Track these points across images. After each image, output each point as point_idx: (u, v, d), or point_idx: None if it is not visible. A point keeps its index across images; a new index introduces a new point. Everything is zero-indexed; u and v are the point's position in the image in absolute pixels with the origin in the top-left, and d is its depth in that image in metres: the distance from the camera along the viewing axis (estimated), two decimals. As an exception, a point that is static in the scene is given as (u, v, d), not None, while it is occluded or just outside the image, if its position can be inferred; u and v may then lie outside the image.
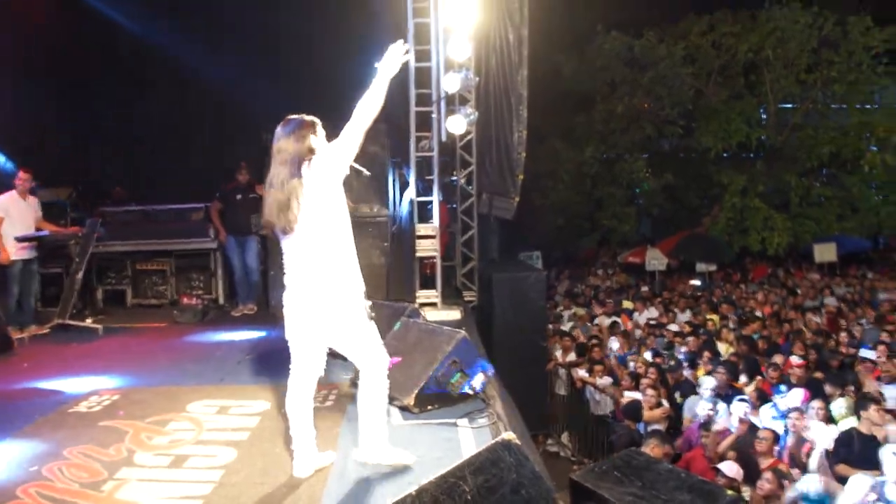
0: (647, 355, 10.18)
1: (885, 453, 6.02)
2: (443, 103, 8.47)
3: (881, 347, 9.04)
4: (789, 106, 21.36)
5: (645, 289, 16.84)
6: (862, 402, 6.91)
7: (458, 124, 8.29)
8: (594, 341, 10.68)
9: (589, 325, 12.50)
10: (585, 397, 9.73)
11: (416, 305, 7.28)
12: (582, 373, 9.94)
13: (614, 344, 10.88)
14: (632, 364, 9.78)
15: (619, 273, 19.75)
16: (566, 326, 12.64)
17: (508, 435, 3.02)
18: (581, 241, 23.18)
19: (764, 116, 21.40)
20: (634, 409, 8.20)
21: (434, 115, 8.51)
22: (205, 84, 11.39)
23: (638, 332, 11.99)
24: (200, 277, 9.76)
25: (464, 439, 4.26)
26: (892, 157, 19.98)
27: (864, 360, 8.73)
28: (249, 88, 10.80)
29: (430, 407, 4.74)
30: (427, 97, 8.52)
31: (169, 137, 11.79)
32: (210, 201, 9.45)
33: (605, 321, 12.45)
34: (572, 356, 10.65)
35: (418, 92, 8.48)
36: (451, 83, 8.08)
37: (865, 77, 19.86)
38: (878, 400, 6.98)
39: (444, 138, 8.64)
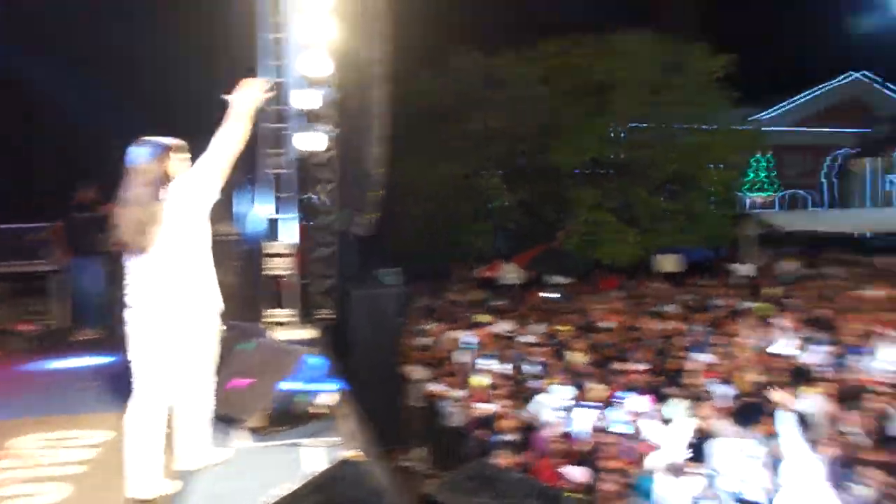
0: (501, 367, 10.43)
1: (715, 448, 6.50)
2: (301, 120, 8.40)
3: (714, 350, 9.77)
4: (638, 126, 22.66)
5: (500, 302, 17.25)
6: (696, 401, 7.45)
7: (314, 141, 8.26)
8: (449, 354, 10.84)
9: (444, 338, 12.66)
10: (440, 410, 9.85)
11: (268, 325, 7.17)
12: (436, 386, 10.07)
13: (468, 357, 11.07)
14: (485, 376, 10.01)
15: (474, 287, 20.12)
16: (423, 341, 12.76)
17: (351, 452, 3.06)
18: (439, 256, 23.45)
19: (622, 135, 22.59)
20: (487, 421, 8.40)
21: (289, 132, 8.44)
22: (51, 99, 10.69)
23: (492, 345, 12.24)
24: (38, 302, 9.15)
25: (311, 459, 4.20)
26: (728, 175, 21.83)
27: (699, 362, 9.38)
28: (98, 104, 10.21)
29: (278, 428, 4.66)
30: (282, 113, 8.43)
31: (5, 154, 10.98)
32: (52, 220, 8.90)
33: (461, 334, 12.65)
34: (428, 370, 10.76)
35: (274, 108, 8.38)
36: (308, 99, 8.04)
37: (705, 100, 21.47)
38: (708, 399, 7.55)
39: (294, 156, 8.58)
